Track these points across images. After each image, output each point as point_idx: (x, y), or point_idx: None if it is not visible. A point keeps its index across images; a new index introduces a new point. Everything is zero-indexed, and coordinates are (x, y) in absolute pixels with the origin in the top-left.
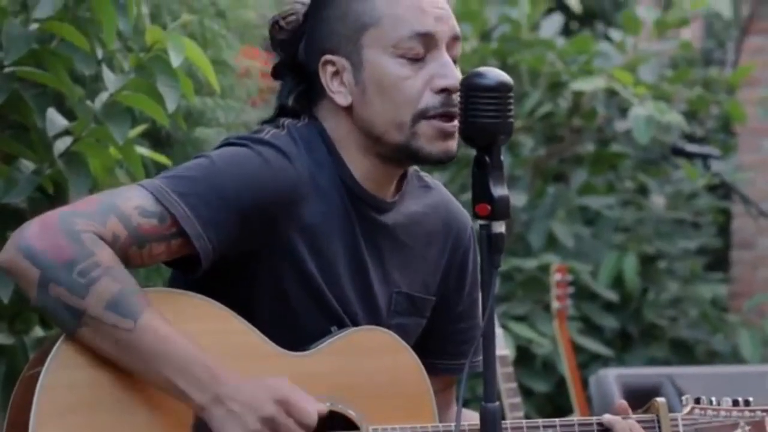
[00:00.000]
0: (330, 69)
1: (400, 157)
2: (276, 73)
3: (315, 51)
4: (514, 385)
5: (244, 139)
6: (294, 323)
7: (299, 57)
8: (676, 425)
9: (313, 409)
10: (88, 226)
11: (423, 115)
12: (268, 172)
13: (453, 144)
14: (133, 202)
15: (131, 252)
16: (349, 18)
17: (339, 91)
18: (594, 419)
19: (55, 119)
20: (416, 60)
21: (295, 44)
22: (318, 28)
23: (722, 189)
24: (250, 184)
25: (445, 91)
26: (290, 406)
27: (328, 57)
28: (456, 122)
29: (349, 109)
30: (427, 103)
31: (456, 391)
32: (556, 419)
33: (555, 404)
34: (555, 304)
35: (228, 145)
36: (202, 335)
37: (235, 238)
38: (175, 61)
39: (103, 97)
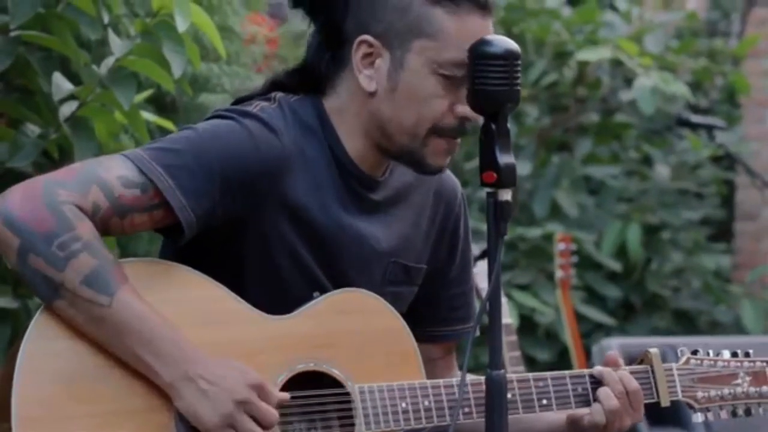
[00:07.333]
0: (365, 49)
1: (399, 155)
2: (299, 2)
3: (358, 24)
4: (517, 353)
5: (232, 111)
6: (281, 290)
7: (336, 15)
8: (672, 376)
9: (279, 396)
10: (70, 198)
11: (437, 131)
12: (252, 145)
13: (449, 159)
14: (115, 171)
15: (112, 222)
16: (409, 16)
17: (366, 75)
18: (586, 371)
19: (61, 83)
20: (452, 81)
21: None
22: (371, 4)
23: (726, 160)
24: (233, 157)
25: (465, 119)
26: (261, 390)
27: (368, 38)
28: (459, 140)
29: (369, 95)
30: (446, 123)
31: (456, 356)
32: (547, 373)
33: None
34: (558, 274)
35: (215, 117)
36: (182, 303)
37: (219, 210)
38: (181, 26)
39: (109, 61)
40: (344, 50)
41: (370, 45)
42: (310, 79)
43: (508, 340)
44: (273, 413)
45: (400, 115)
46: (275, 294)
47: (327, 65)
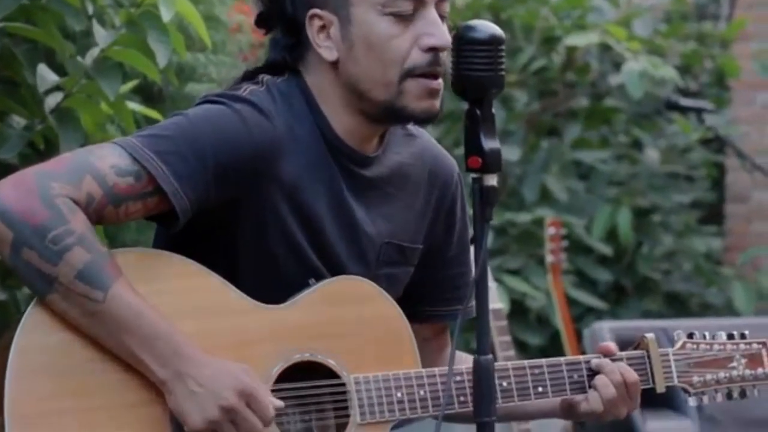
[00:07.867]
0: (317, 23)
1: (383, 115)
2: (260, 22)
3: (303, 4)
4: (508, 338)
5: (221, 96)
6: (276, 277)
7: (287, 9)
8: (668, 361)
9: (271, 404)
10: (63, 190)
11: (410, 73)
12: (245, 129)
13: (437, 103)
14: (108, 160)
15: (106, 211)
16: None
17: (325, 46)
18: (582, 358)
19: (46, 75)
20: (404, 18)
21: None
22: None
23: (716, 143)
24: (226, 141)
25: (433, 49)
26: (252, 399)
27: (316, 11)
28: (441, 81)
29: (334, 64)
30: (415, 61)
31: (450, 336)
32: (543, 360)
33: (549, 357)
34: (549, 258)
35: (206, 102)
36: (175, 293)
37: (213, 195)
38: (166, 16)
39: (94, 52)
40: (303, 34)
41: (320, 18)
42: (281, 70)
43: (498, 324)
44: (258, 425)
45: (366, 69)
46: (270, 280)
47: (292, 53)
